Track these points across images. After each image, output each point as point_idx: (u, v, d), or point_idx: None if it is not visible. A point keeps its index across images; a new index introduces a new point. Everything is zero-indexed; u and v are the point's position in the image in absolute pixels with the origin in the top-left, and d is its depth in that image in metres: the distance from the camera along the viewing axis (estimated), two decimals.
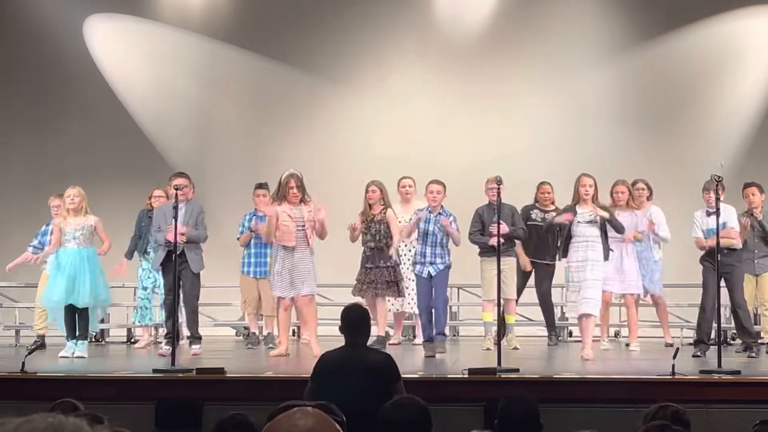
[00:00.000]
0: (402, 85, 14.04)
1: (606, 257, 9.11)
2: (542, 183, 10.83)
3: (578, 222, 9.07)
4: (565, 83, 13.81)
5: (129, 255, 10.79)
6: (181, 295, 9.48)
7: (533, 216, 10.68)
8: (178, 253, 9.13)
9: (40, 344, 10.35)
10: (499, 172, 8.81)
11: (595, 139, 13.62)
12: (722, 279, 9.22)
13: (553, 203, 10.76)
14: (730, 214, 9.44)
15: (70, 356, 9.32)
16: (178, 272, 9.26)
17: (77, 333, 9.44)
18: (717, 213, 8.68)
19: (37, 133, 14.17)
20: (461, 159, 13.29)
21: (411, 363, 8.59)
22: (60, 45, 14.12)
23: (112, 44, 14.32)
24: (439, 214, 9.34)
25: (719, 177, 8.44)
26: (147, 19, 14.25)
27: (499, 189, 8.74)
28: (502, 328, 10.14)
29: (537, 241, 10.54)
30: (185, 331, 9.81)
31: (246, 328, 11.45)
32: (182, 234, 9.17)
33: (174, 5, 14.30)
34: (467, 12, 14.05)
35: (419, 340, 10.52)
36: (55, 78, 14.14)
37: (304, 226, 9.22)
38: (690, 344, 11.06)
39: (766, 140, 13.49)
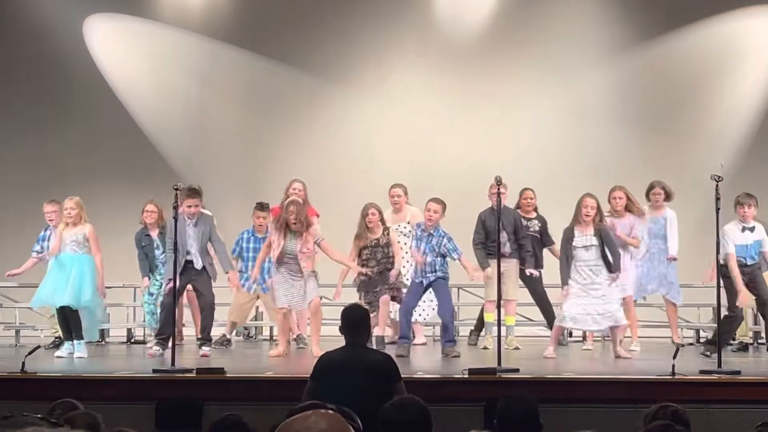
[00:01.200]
0: (402, 85, 14.04)
1: (617, 267, 9.11)
2: (525, 189, 10.72)
3: (575, 246, 9.06)
4: (565, 83, 13.82)
5: (146, 274, 10.74)
6: (198, 301, 9.64)
7: (524, 223, 10.60)
8: (198, 267, 9.40)
9: (59, 344, 10.32)
10: (498, 172, 8.79)
11: (595, 139, 13.62)
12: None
13: (535, 210, 10.71)
14: (763, 233, 9.47)
15: (66, 356, 9.30)
16: (192, 279, 9.32)
17: (72, 333, 9.43)
18: (717, 214, 8.65)
19: (36, 133, 14.16)
20: (461, 159, 13.30)
21: (410, 363, 8.59)
22: (60, 45, 14.12)
23: (112, 44, 14.32)
24: (431, 234, 9.30)
25: (719, 177, 8.43)
26: (147, 19, 14.25)
27: (499, 189, 8.71)
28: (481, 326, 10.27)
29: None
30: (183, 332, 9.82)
31: (246, 328, 11.44)
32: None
33: (174, 5, 14.30)
34: (467, 12, 14.06)
35: (419, 339, 10.52)
36: (55, 78, 14.14)
37: (298, 255, 9.18)
38: (690, 344, 11.10)
39: (766, 140, 13.49)
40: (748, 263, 9.32)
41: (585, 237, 9.05)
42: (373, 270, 9.54)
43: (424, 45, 14.07)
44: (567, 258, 9.08)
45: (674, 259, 10.30)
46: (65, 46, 14.11)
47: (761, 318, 10.26)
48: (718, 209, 8.59)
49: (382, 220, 9.78)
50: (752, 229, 9.34)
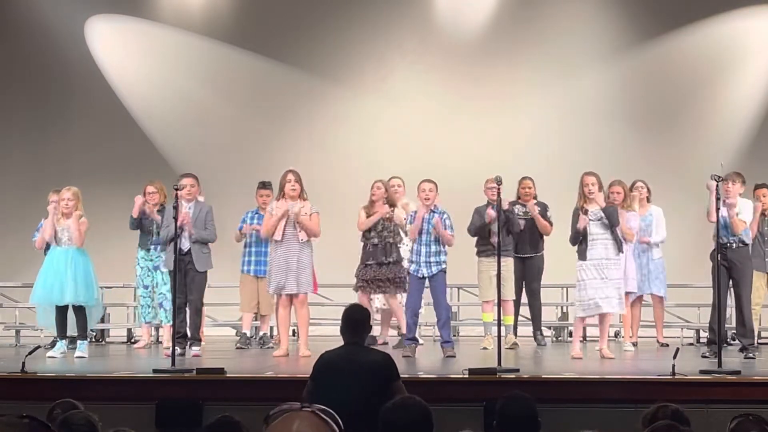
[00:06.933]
0: (402, 86, 14.05)
1: (620, 249, 9.09)
2: (523, 178, 10.82)
3: (590, 220, 9.04)
4: (565, 83, 13.82)
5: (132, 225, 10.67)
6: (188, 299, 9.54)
7: (516, 211, 10.68)
8: (184, 250, 9.26)
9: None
10: (499, 172, 8.80)
11: (596, 139, 13.62)
12: (730, 277, 9.21)
13: (534, 198, 10.77)
14: (745, 206, 9.43)
15: (59, 356, 9.27)
16: (184, 271, 9.27)
17: (77, 332, 9.43)
18: (717, 210, 8.64)
19: (38, 134, 14.18)
20: (461, 159, 13.30)
21: (410, 363, 8.59)
22: (61, 46, 14.13)
23: (113, 45, 14.33)
24: (432, 212, 9.32)
25: (719, 177, 8.43)
26: (147, 20, 14.26)
27: (499, 189, 8.73)
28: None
29: (519, 235, 10.52)
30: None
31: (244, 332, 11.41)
32: (186, 223, 9.30)
33: (174, 5, 14.31)
34: (468, 12, 14.06)
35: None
36: (57, 79, 14.15)
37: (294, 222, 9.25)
38: (690, 344, 11.12)
39: (767, 140, 13.49)
40: (723, 240, 9.07)
41: (594, 212, 9.03)
42: (373, 241, 9.87)
43: (424, 45, 14.07)
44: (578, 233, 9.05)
45: (647, 242, 10.33)
46: (67, 48, 14.12)
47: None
48: (718, 209, 8.60)
49: (389, 198, 10.02)
50: (724, 204, 9.18)
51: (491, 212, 9.64)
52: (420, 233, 9.23)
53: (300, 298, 9.31)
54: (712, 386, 7.07)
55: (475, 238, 10.30)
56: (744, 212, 9.41)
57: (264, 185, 10.79)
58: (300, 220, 9.19)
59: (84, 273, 9.39)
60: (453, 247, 9.52)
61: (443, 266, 9.25)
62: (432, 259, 9.21)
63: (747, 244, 9.41)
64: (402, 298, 10.02)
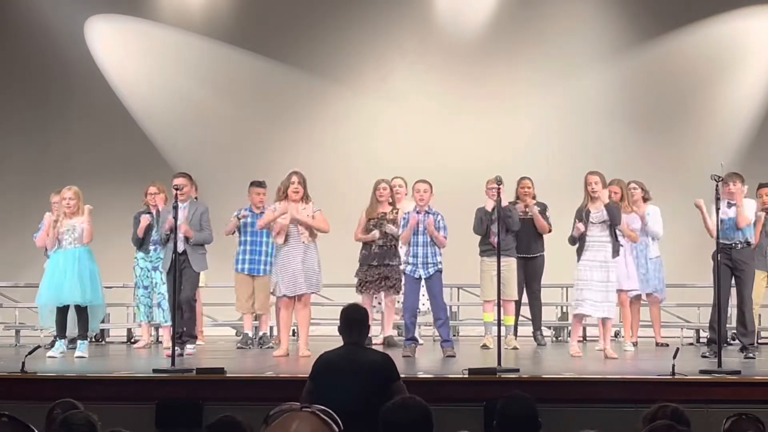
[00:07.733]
0: (402, 86, 14.05)
1: (616, 253, 9.09)
2: (522, 178, 10.80)
3: (591, 222, 9.04)
4: (565, 83, 13.82)
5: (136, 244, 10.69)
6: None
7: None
8: (179, 251, 9.21)
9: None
10: (499, 172, 8.80)
11: (596, 139, 13.62)
12: (733, 277, 9.21)
13: (533, 198, 10.77)
14: (748, 205, 9.44)
15: (58, 356, 9.27)
16: (180, 271, 9.27)
17: (77, 332, 9.43)
18: (717, 214, 8.64)
19: (38, 134, 14.17)
20: (461, 159, 13.30)
21: (409, 363, 8.59)
22: (61, 46, 14.13)
23: (113, 45, 14.33)
24: (426, 212, 9.31)
25: (719, 177, 8.43)
26: (147, 20, 14.26)
27: (499, 189, 8.74)
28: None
29: (520, 235, 10.50)
30: None
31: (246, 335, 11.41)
32: (184, 231, 9.26)
33: (174, 5, 14.31)
34: (468, 12, 14.06)
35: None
36: (57, 79, 14.15)
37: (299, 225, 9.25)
38: (690, 344, 11.11)
39: (767, 140, 13.49)
40: (728, 241, 9.07)
41: (599, 213, 9.03)
42: (378, 242, 9.93)
43: (424, 45, 14.08)
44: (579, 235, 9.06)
45: (644, 229, 10.29)
46: (67, 48, 14.12)
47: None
48: (717, 209, 8.59)
49: (392, 199, 10.04)
50: (728, 206, 9.18)
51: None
52: (416, 234, 9.24)
53: (304, 298, 9.32)
54: (712, 386, 7.08)
55: (479, 239, 10.30)
56: (747, 211, 9.41)
57: (258, 184, 10.77)
58: (301, 223, 9.18)
59: (90, 273, 9.40)
60: (453, 247, 9.52)
61: (439, 266, 9.26)
62: (429, 260, 9.22)
63: (750, 244, 9.43)
64: (400, 298, 10.03)
